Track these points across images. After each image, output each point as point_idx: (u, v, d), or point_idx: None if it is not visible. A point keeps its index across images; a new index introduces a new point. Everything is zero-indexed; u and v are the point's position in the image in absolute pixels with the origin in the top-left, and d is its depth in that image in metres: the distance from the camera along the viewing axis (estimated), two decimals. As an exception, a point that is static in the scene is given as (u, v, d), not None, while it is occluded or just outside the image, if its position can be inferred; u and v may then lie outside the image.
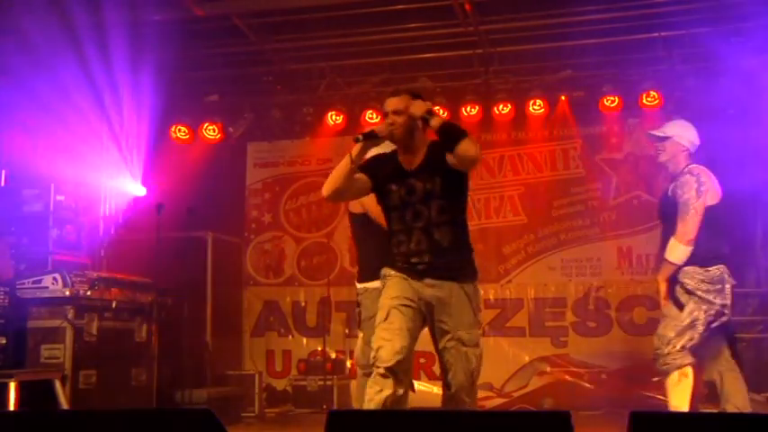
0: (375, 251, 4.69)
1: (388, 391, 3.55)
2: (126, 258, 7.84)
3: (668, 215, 4.60)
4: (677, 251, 4.48)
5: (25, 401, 5.17)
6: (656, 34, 7.60)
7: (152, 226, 6.82)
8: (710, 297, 4.39)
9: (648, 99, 7.86)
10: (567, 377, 7.98)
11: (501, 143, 8.54)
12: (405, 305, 3.71)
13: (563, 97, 8.16)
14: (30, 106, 7.75)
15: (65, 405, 5.46)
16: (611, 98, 7.97)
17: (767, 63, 7.50)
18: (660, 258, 4.62)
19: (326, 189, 3.83)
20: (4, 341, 5.49)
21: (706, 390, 7.68)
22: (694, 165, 4.60)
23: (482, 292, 3.96)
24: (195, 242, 7.77)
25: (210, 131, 8.57)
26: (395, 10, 7.14)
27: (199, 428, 2.33)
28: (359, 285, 4.91)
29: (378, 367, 3.61)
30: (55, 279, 5.91)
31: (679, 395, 4.29)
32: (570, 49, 7.80)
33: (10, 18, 6.87)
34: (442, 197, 3.75)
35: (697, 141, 4.72)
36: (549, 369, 8.04)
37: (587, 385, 7.89)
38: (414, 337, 3.72)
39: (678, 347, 4.37)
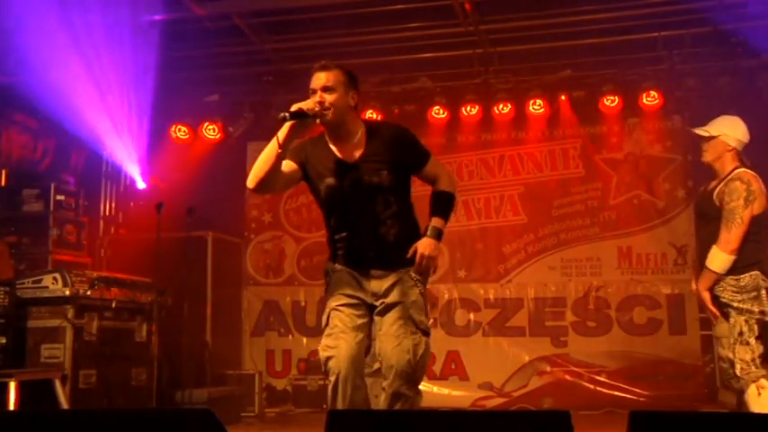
0: None
1: (343, 386, 3.39)
2: (126, 258, 7.85)
3: (709, 216, 4.45)
4: (718, 260, 4.33)
5: (25, 401, 5.18)
6: (656, 34, 7.61)
7: (152, 226, 6.82)
8: (747, 306, 4.26)
9: (648, 99, 7.86)
10: (566, 377, 7.98)
11: (501, 143, 8.54)
12: (345, 304, 3.49)
13: (563, 97, 8.16)
14: (30, 105, 7.75)
15: (65, 405, 5.46)
16: (612, 98, 7.97)
17: (767, 63, 7.52)
18: (700, 263, 4.48)
19: (252, 180, 3.45)
20: (4, 341, 5.49)
21: (706, 390, 7.72)
22: (744, 169, 4.41)
23: (428, 291, 3.73)
24: (195, 242, 7.76)
25: (210, 131, 8.57)
26: (395, 10, 7.14)
27: (199, 428, 2.33)
28: None
29: (331, 377, 3.42)
30: (55, 279, 5.91)
31: (763, 407, 4.14)
32: (570, 49, 7.80)
33: (9, 17, 6.87)
34: (388, 191, 3.49)
35: (746, 139, 4.51)
36: (548, 369, 8.04)
37: (587, 385, 7.89)
38: (363, 330, 3.49)
39: (743, 364, 4.23)
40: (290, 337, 8.68)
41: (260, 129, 8.85)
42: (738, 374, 4.26)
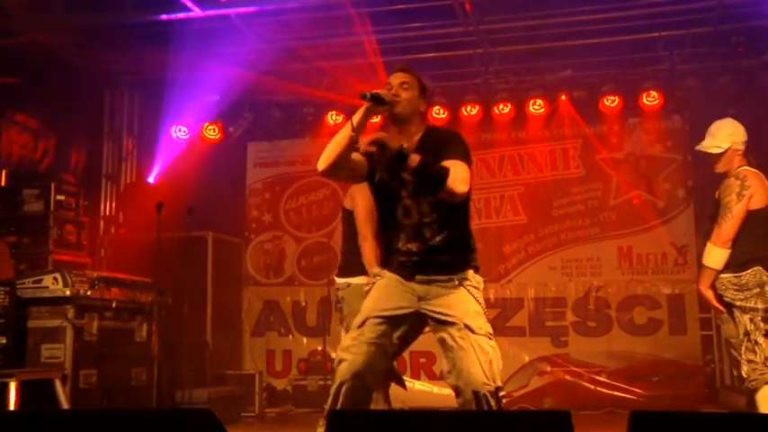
0: (359, 249, 4.72)
1: (345, 395, 3.32)
2: (126, 258, 7.85)
3: (713, 216, 4.47)
4: (712, 254, 4.34)
5: (26, 401, 5.17)
6: (656, 34, 7.61)
7: (152, 226, 6.82)
8: (751, 303, 4.23)
9: (649, 99, 7.87)
10: (567, 377, 7.98)
11: (501, 143, 8.54)
12: (384, 317, 3.40)
13: (563, 97, 8.16)
14: (29, 105, 7.76)
15: (65, 405, 5.46)
16: (612, 98, 7.98)
17: (767, 63, 7.52)
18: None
19: (323, 162, 3.40)
20: (4, 341, 5.49)
21: (706, 390, 7.72)
22: (745, 167, 4.41)
23: (482, 289, 3.55)
24: (195, 242, 7.76)
25: (211, 131, 8.58)
26: (395, 9, 7.14)
27: (199, 428, 2.33)
28: (339, 280, 4.91)
29: (337, 379, 3.36)
30: (55, 279, 5.91)
31: None
32: (570, 49, 7.80)
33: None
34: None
35: (746, 137, 4.50)
36: (549, 369, 8.04)
37: (587, 385, 7.89)
38: (391, 344, 3.41)
39: (752, 365, 4.18)
40: (291, 337, 8.68)
41: (260, 129, 8.87)
42: (745, 376, 4.23)
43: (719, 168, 4.51)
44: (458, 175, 3.28)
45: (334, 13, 7.24)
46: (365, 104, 3.39)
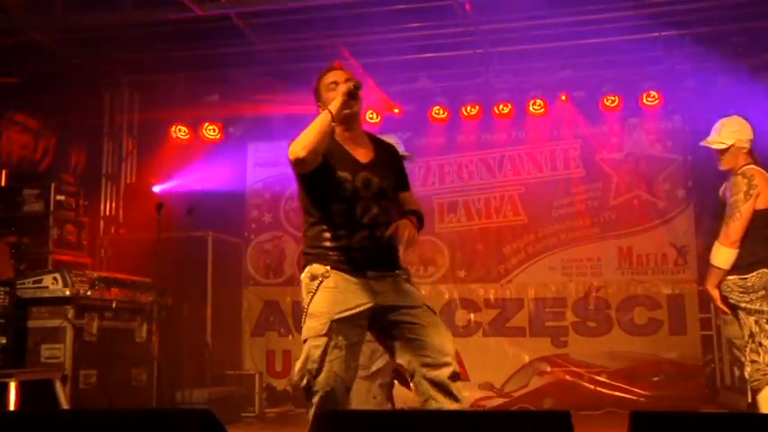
0: None
1: (334, 401, 3.30)
2: (126, 258, 7.85)
3: (720, 216, 4.46)
4: (720, 254, 4.33)
5: (25, 401, 5.18)
6: (656, 34, 7.61)
7: (152, 226, 6.82)
8: (756, 306, 4.23)
9: (649, 99, 7.86)
10: (567, 377, 7.97)
11: (501, 143, 8.53)
12: (346, 317, 3.37)
13: (563, 97, 8.15)
14: (30, 104, 7.77)
15: (65, 405, 5.46)
16: (612, 98, 7.97)
17: (767, 64, 7.52)
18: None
19: (303, 148, 3.38)
20: (4, 341, 5.49)
21: (706, 390, 7.72)
22: (750, 165, 4.41)
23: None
24: (195, 242, 7.76)
25: (211, 131, 8.57)
26: (395, 9, 7.14)
27: (199, 429, 2.33)
28: None
29: (317, 390, 3.31)
30: (55, 279, 5.91)
31: None
32: (570, 49, 7.80)
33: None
34: (390, 197, 3.61)
35: (752, 135, 4.49)
36: (549, 369, 8.03)
37: (587, 385, 7.89)
38: (359, 345, 3.45)
39: (756, 366, 4.17)
40: (291, 337, 8.67)
41: (260, 129, 8.86)
42: (748, 377, 4.23)
43: (723, 165, 4.50)
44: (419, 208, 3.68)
45: (335, 14, 7.24)
46: (343, 95, 3.49)
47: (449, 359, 3.41)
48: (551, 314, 8.17)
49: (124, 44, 7.83)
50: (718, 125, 4.58)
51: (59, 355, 5.78)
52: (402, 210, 3.66)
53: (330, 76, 3.69)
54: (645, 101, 7.88)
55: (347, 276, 3.44)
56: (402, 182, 3.73)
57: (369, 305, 3.42)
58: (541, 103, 8.11)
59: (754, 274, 4.26)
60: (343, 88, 3.50)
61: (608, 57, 7.86)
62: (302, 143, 3.40)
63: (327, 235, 3.52)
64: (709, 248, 4.56)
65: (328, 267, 3.45)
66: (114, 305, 6.27)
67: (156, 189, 8.51)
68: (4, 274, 6.15)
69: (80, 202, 7.51)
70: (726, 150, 4.48)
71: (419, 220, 3.62)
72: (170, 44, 7.83)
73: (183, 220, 7.32)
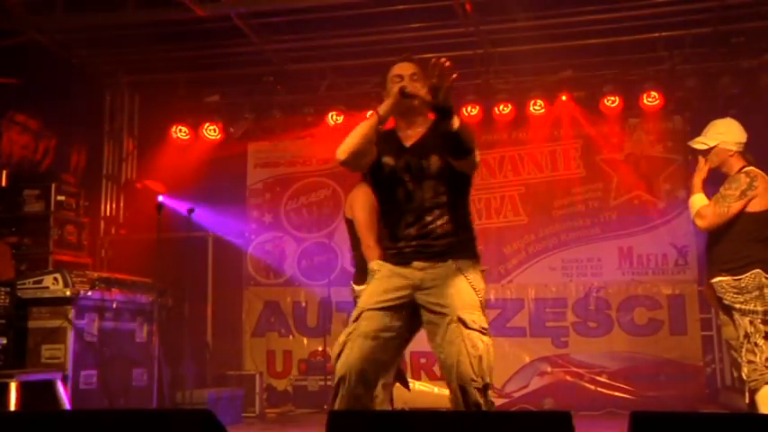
0: None
1: (349, 390, 3.25)
2: (127, 258, 7.86)
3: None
4: (693, 210, 4.46)
5: (26, 402, 5.18)
6: (656, 34, 7.61)
7: (152, 226, 6.82)
8: (750, 306, 4.23)
9: (649, 99, 7.86)
10: (567, 377, 7.97)
11: (501, 143, 8.53)
12: (378, 307, 3.32)
13: (564, 97, 8.15)
14: (30, 105, 7.76)
15: (65, 405, 5.46)
16: (612, 98, 7.97)
17: (767, 64, 7.52)
18: (708, 260, 4.51)
19: (345, 151, 3.34)
20: (4, 341, 5.49)
21: (707, 390, 7.71)
22: (752, 168, 4.41)
23: (484, 285, 3.41)
24: (196, 242, 7.77)
25: (211, 132, 8.57)
26: (395, 10, 7.14)
27: (199, 429, 2.33)
28: (357, 287, 4.87)
29: (336, 376, 3.31)
30: (56, 279, 5.91)
31: None
32: (571, 50, 7.80)
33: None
34: (437, 177, 3.39)
35: (744, 139, 4.49)
36: (549, 369, 8.03)
37: (588, 386, 7.89)
38: (389, 337, 3.32)
39: (753, 367, 4.18)
40: (291, 337, 8.68)
41: (260, 129, 8.87)
42: (746, 377, 4.24)
43: (709, 165, 4.53)
44: (476, 162, 3.38)
45: (335, 14, 7.25)
46: (394, 97, 3.40)
47: (459, 383, 3.22)
48: (552, 314, 8.17)
49: (125, 45, 7.84)
50: (707, 126, 4.61)
51: (60, 356, 5.78)
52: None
53: (396, 69, 3.55)
54: (645, 101, 7.88)
55: (392, 267, 3.41)
56: None
57: (401, 300, 3.33)
58: (542, 103, 8.11)
59: (747, 274, 4.26)
60: (395, 89, 3.41)
61: (608, 57, 7.87)
62: (345, 146, 3.37)
63: (383, 225, 3.52)
64: None
65: (382, 261, 3.49)
66: (115, 305, 6.27)
67: (160, 198, 8.53)
68: (6, 275, 6.15)
69: (80, 203, 7.51)
70: (707, 151, 4.51)
71: (467, 130, 3.26)
72: (171, 44, 7.84)
73: (183, 221, 7.32)
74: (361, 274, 4.79)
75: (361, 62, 8.20)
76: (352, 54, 8.03)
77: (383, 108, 3.40)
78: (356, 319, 3.35)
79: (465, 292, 3.30)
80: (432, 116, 3.43)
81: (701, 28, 7.45)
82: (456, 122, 3.18)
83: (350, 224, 4.90)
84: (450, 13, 7.20)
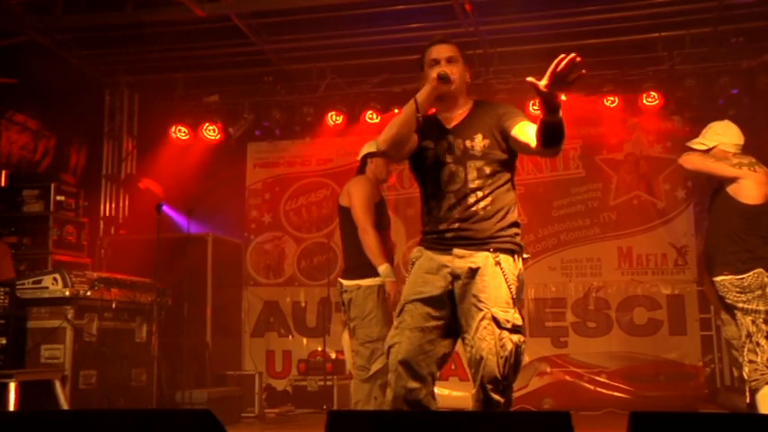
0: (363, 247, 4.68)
1: (401, 383, 3.23)
2: (126, 258, 7.85)
3: (713, 208, 4.50)
4: (686, 154, 4.57)
5: (25, 402, 5.17)
6: (656, 34, 7.61)
7: (152, 226, 6.82)
8: (753, 305, 4.24)
9: (649, 99, 7.86)
10: (567, 377, 7.97)
11: (501, 143, 8.51)
12: (419, 299, 3.28)
13: (563, 97, 8.12)
14: (29, 105, 7.77)
15: (65, 405, 5.46)
16: (612, 98, 7.97)
17: (767, 64, 7.52)
18: (705, 258, 4.53)
19: (385, 139, 3.28)
20: (4, 341, 5.49)
21: (706, 390, 7.71)
22: (758, 163, 4.44)
23: (522, 277, 3.34)
24: (195, 242, 7.76)
25: (210, 132, 8.57)
26: (395, 10, 7.14)
27: (199, 429, 2.33)
28: (348, 283, 4.80)
29: (390, 369, 3.29)
30: (55, 279, 5.91)
31: None
32: (570, 50, 7.78)
33: None
34: (481, 158, 3.33)
35: (741, 140, 4.52)
36: (549, 369, 8.03)
37: (587, 386, 7.89)
38: (434, 330, 3.27)
39: (754, 366, 4.19)
40: (291, 337, 8.68)
41: (260, 129, 8.87)
42: (746, 377, 4.23)
43: None
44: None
45: (335, 14, 7.25)
46: (431, 83, 3.32)
47: (484, 380, 3.19)
48: (551, 314, 8.17)
49: (124, 45, 7.85)
50: (706, 128, 4.63)
51: (59, 356, 5.78)
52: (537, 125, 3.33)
53: (433, 52, 3.45)
54: (645, 101, 7.88)
55: (433, 255, 3.34)
56: (504, 123, 3.39)
57: (442, 289, 3.28)
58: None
59: (750, 273, 4.27)
60: (432, 74, 3.32)
61: (608, 57, 7.86)
62: (385, 135, 3.32)
63: (425, 211, 3.44)
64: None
65: (422, 248, 3.41)
66: (114, 305, 6.27)
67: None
68: (7, 275, 6.16)
69: (80, 203, 7.51)
70: (706, 152, 4.55)
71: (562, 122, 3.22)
72: (170, 44, 7.84)
73: (182, 221, 7.32)
74: (356, 269, 4.78)
75: (360, 62, 8.20)
76: (351, 54, 8.03)
77: (421, 95, 3.31)
78: (399, 313, 3.32)
79: (501, 287, 3.23)
80: (474, 98, 3.44)
81: (701, 28, 7.45)
82: (560, 114, 3.16)
83: (344, 213, 4.88)
84: (450, 13, 7.20)
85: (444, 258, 3.30)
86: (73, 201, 7.40)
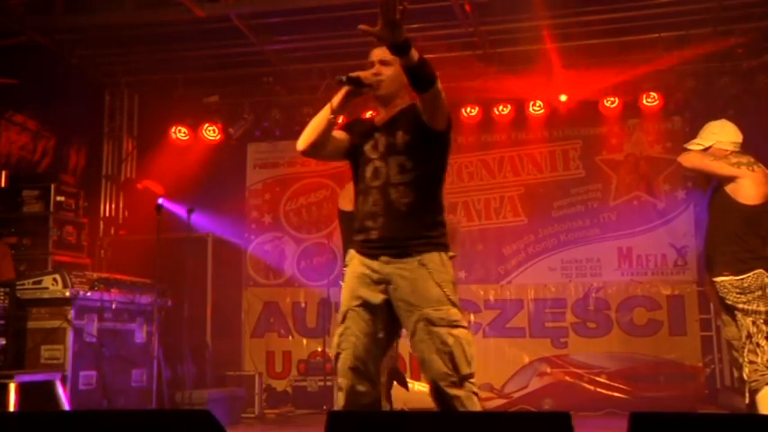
0: None
1: (352, 388, 3.28)
2: (126, 259, 7.85)
3: (712, 208, 4.49)
4: (685, 152, 4.59)
5: (25, 402, 5.17)
6: (656, 35, 7.61)
7: (152, 227, 6.82)
8: (753, 306, 4.23)
9: (648, 100, 7.87)
10: (567, 378, 7.97)
11: (501, 144, 8.53)
12: (358, 305, 3.31)
13: (563, 98, 8.15)
14: (29, 105, 7.76)
15: (65, 406, 5.46)
16: (612, 99, 7.98)
17: (767, 64, 7.52)
18: (705, 259, 4.52)
19: (302, 142, 3.41)
20: (4, 342, 5.49)
21: (706, 391, 7.72)
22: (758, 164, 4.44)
23: (453, 272, 3.36)
24: (195, 243, 7.76)
25: (210, 132, 8.57)
26: (395, 11, 7.13)
27: (199, 429, 2.33)
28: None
29: (339, 377, 3.34)
30: (55, 280, 5.91)
31: None
32: (570, 50, 7.80)
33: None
34: (403, 153, 3.32)
35: (739, 139, 4.52)
36: (549, 370, 8.03)
37: (587, 386, 7.89)
38: (374, 339, 3.30)
39: (753, 366, 4.18)
40: (291, 338, 8.68)
41: (260, 129, 8.87)
42: (746, 378, 4.23)
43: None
44: (442, 95, 3.22)
45: (335, 15, 7.25)
46: (343, 91, 3.38)
47: (434, 380, 3.23)
48: (551, 315, 8.18)
49: (124, 45, 7.85)
50: (702, 128, 4.65)
51: (59, 356, 5.78)
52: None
53: (371, 54, 3.50)
54: (645, 102, 7.88)
55: (362, 259, 3.37)
56: (420, 115, 3.33)
57: (378, 295, 3.30)
58: (541, 104, 8.11)
59: (750, 274, 4.26)
60: (337, 93, 3.38)
61: (608, 57, 7.86)
62: (302, 137, 3.44)
63: (356, 208, 3.47)
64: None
65: (353, 252, 3.44)
66: (114, 306, 6.27)
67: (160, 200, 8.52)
68: (7, 276, 6.16)
69: (80, 203, 7.51)
70: (705, 151, 4.54)
71: (427, 65, 3.13)
72: (170, 45, 7.84)
73: (182, 221, 7.32)
74: None
75: (360, 62, 8.17)
76: (351, 54, 8.01)
77: (335, 99, 3.40)
78: (343, 320, 3.37)
79: (430, 287, 3.25)
80: (411, 96, 3.37)
81: (701, 28, 7.45)
82: (414, 55, 3.09)
83: (344, 216, 4.88)
84: (449, 14, 7.20)
85: (374, 264, 3.32)
86: (73, 201, 7.40)
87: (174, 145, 8.63)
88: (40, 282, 5.92)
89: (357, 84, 3.34)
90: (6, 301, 5.56)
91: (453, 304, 3.27)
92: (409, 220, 3.29)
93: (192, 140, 8.62)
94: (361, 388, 3.29)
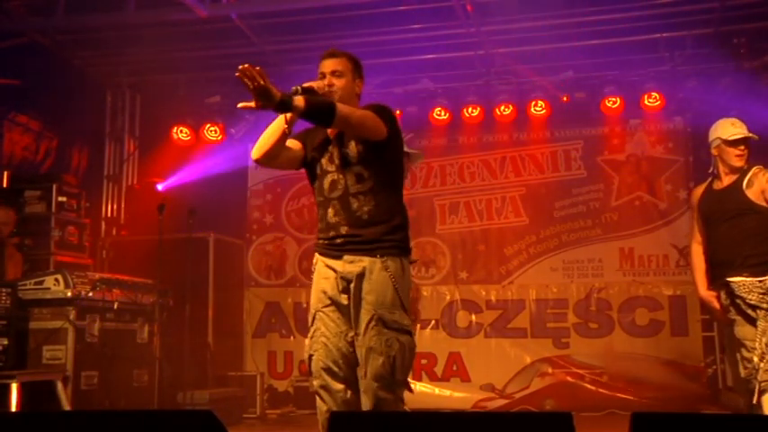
0: None
1: (328, 389, 3.43)
2: (128, 259, 7.86)
3: (743, 211, 4.43)
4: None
5: (27, 403, 5.18)
6: (657, 35, 7.61)
7: (154, 227, 6.82)
8: None
9: (650, 100, 7.86)
10: (568, 378, 7.96)
11: (502, 144, 8.53)
12: (326, 306, 3.44)
13: (565, 98, 8.15)
14: (31, 106, 7.77)
15: (66, 406, 5.47)
16: (613, 99, 7.97)
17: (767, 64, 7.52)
18: (713, 265, 4.50)
19: (256, 151, 3.46)
20: (5, 342, 5.50)
21: (708, 391, 7.71)
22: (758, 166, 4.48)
23: (414, 280, 3.49)
24: (197, 243, 7.77)
25: (212, 133, 8.57)
26: (396, 11, 7.14)
27: (200, 430, 2.33)
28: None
29: (314, 379, 3.45)
30: (57, 280, 5.92)
31: None
32: (572, 50, 7.80)
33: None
34: (359, 163, 3.41)
35: (735, 130, 4.54)
36: (550, 370, 8.02)
37: (589, 386, 7.88)
38: (344, 338, 3.40)
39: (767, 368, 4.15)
40: (292, 338, 8.67)
41: (261, 130, 8.85)
42: (759, 378, 4.19)
43: (743, 161, 4.52)
44: (356, 112, 3.30)
45: (336, 15, 7.25)
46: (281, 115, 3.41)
47: (368, 380, 3.31)
48: (553, 315, 8.17)
49: (126, 45, 7.85)
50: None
51: (61, 357, 5.78)
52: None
53: (321, 65, 3.54)
54: (646, 102, 7.88)
55: (326, 260, 3.50)
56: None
57: (343, 294, 3.41)
58: (543, 104, 8.11)
59: None
60: (299, 94, 3.30)
61: (609, 58, 7.86)
62: (257, 145, 3.49)
63: (318, 218, 3.59)
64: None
65: (317, 255, 3.57)
66: (116, 306, 6.27)
67: (160, 187, 8.53)
68: (14, 274, 6.18)
69: (82, 204, 7.51)
70: (746, 141, 4.52)
71: (315, 103, 3.19)
72: (171, 45, 7.84)
73: (184, 222, 7.32)
74: None
75: (362, 63, 8.19)
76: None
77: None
78: (312, 322, 3.47)
79: (387, 290, 3.34)
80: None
81: (703, 29, 7.45)
82: (300, 104, 3.14)
83: None
84: (450, 14, 7.20)
85: (336, 264, 3.44)
86: (74, 201, 7.40)
87: (176, 145, 8.63)
88: (41, 282, 5.93)
89: (311, 94, 3.36)
90: (8, 302, 5.57)
91: (406, 310, 3.38)
92: (372, 226, 3.40)
93: (193, 141, 8.62)
94: (336, 387, 3.40)
